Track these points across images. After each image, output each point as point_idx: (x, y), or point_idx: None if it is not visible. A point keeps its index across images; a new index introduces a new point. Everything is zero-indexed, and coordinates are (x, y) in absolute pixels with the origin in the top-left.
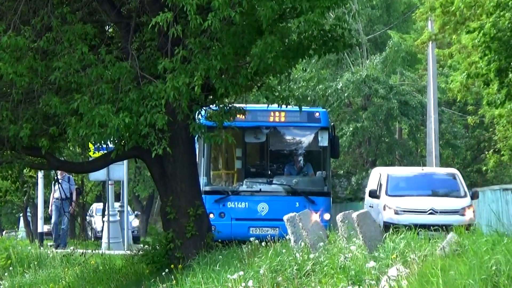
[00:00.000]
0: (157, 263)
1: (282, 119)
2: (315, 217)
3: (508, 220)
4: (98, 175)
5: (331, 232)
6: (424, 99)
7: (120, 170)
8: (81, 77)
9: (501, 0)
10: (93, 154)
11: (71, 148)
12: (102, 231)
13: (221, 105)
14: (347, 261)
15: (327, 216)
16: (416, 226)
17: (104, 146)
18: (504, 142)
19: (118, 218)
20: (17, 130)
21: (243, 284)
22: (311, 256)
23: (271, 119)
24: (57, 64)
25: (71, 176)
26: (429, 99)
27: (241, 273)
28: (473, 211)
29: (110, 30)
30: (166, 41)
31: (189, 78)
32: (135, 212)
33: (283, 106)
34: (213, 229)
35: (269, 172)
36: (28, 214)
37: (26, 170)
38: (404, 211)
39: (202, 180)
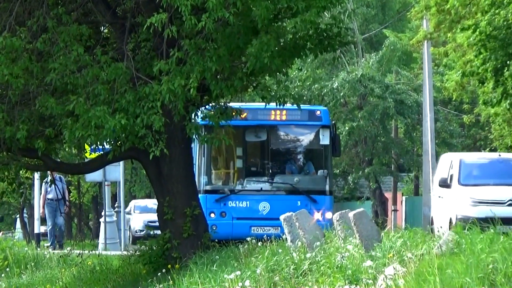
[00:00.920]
0: (154, 263)
1: (283, 118)
2: (317, 216)
3: None
4: (94, 176)
5: (328, 231)
6: (420, 98)
7: (117, 171)
8: (77, 78)
9: None
10: (89, 155)
11: (67, 150)
12: (142, 230)
13: (217, 106)
14: (344, 260)
15: (329, 215)
16: (494, 219)
17: (100, 147)
18: (500, 140)
19: (114, 218)
20: (13, 132)
21: (240, 284)
22: (308, 255)
23: (272, 117)
24: (53, 65)
25: (61, 176)
26: (425, 98)
27: (238, 273)
28: None
29: (106, 30)
30: (161, 42)
31: (185, 80)
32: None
33: (282, 105)
34: (214, 228)
35: (270, 171)
36: (25, 215)
37: (23, 172)
38: (479, 202)
39: (203, 179)
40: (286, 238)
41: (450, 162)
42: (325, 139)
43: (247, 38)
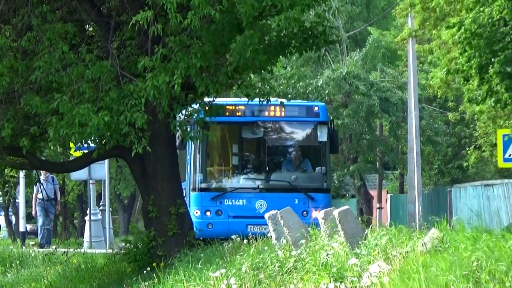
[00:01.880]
0: (139, 261)
1: (280, 114)
2: (315, 214)
3: (489, 216)
4: (79, 175)
5: (313, 229)
6: (405, 96)
7: (102, 169)
8: (62, 76)
9: None
10: (74, 153)
11: (52, 148)
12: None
13: (203, 103)
14: (329, 258)
15: None
16: None
17: (85, 145)
18: (485, 138)
19: (100, 217)
20: None
21: (225, 281)
22: (293, 253)
23: (269, 113)
24: (38, 64)
25: (54, 176)
26: (410, 95)
27: (223, 270)
28: None
29: (90, 29)
30: (146, 40)
31: (169, 77)
32: None
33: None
34: (210, 227)
35: (267, 168)
36: (10, 213)
37: (8, 170)
38: None
39: (198, 177)
40: (271, 236)
41: None
42: (323, 136)
43: (232, 35)
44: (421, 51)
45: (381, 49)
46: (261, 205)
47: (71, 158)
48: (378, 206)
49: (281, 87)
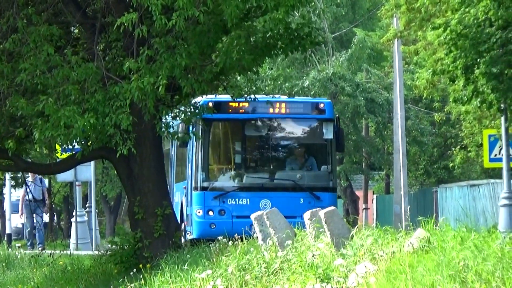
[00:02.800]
0: (126, 262)
1: (285, 111)
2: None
3: (475, 216)
4: (65, 176)
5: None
6: (391, 97)
7: (88, 171)
8: (47, 78)
9: None
10: (60, 155)
11: (37, 150)
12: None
13: (188, 104)
14: (315, 258)
15: None
16: None
17: (71, 147)
18: (470, 138)
19: (86, 218)
20: None
21: (212, 283)
22: (279, 254)
23: (273, 110)
24: (23, 66)
25: (42, 177)
26: (396, 96)
27: (209, 272)
28: None
29: (76, 31)
30: (132, 42)
31: (154, 78)
32: None
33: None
34: (213, 227)
35: (271, 167)
36: None
37: None
38: None
39: (200, 175)
40: (257, 237)
41: None
42: (328, 133)
43: (217, 36)
44: (406, 52)
45: (366, 50)
46: (265, 205)
47: (57, 160)
48: (364, 207)
49: (267, 88)
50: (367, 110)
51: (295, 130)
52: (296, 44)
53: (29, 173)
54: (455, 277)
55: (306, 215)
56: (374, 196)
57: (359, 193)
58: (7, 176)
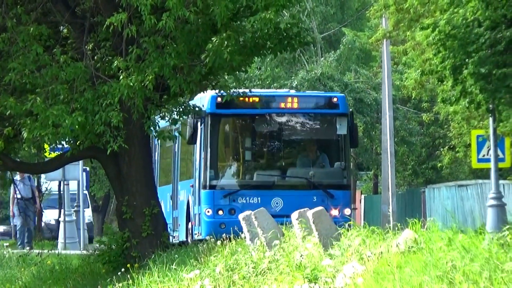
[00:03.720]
0: (113, 262)
1: (297, 105)
2: (335, 212)
3: (463, 216)
4: (54, 175)
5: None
6: (379, 97)
7: (76, 170)
8: (36, 78)
9: None
10: (49, 154)
11: (26, 149)
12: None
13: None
14: (302, 259)
15: (347, 211)
16: None
17: (60, 146)
18: (459, 138)
19: (74, 218)
20: None
21: (199, 282)
22: (267, 254)
23: (284, 105)
24: (12, 65)
25: (30, 175)
26: (384, 96)
27: (197, 271)
28: None
29: (65, 30)
30: (121, 41)
31: (142, 76)
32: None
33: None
34: (222, 227)
35: (283, 164)
36: None
37: None
38: None
39: (208, 173)
40: (245, 237)
41: None
42: (342, 129)
43: (206, 36)
44: (395, 52)
45: (355, 50)
46: (277, 203)
47: (46, 159)
48: (352, 207)
49: (255, 88)
50: (356, 110)
51: (308, 125)
52: (285, 44)
53: (17, 172)
54: (442, 278)
55: (294, 215)
56: (362, 196)
57: None
58: None
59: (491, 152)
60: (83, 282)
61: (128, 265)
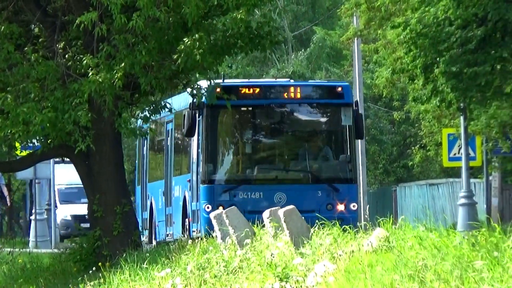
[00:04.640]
0: (85, 261)
1: (299, 96)
2: (341, 207)
3: (434, 215)
4: (25, 174)
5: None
6: None
7: (47, 169)
8: (7, 76)
9: None
10: (20, 152)
11: None
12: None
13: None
14: (274, 257)
15: (354, 207)
16: None
17: (31, 145)
18: (429, 137)
19: (45, 216)
20: None
21: (171, 281)
22: (238, 253)
23: (286, 95)
24: None
25: (0, 174)
26: (355, 95)
27: (168, 270)
28: None
29: (36, 29)
30: (92, 40)
31: (111, 74)
32: None
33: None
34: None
35: (286, 157)
36: None
37: None
38: None
39: (207, 167)
40: (216, 236)
41: None
42: (347, 120)
43: (177, 34)
44: (366, 50)
45: (326, 49)
46: (280, 198)
47: (17, 158)
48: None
49: None
50: None
51: (311, 116)
52: (256, 43)
53: None
54: (414, 276)
55: (265, 214)
56: None
57: None
58: None
59: (462, 150)
60: (54, 281)
61: (100, 264)
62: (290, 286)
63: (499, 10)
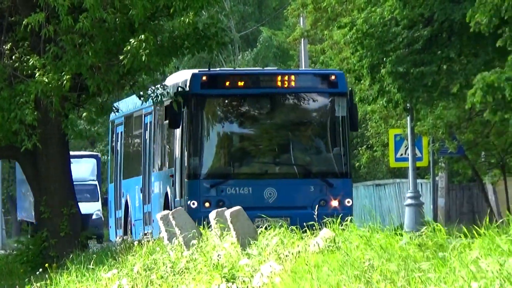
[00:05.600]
0: (31, 262)
1: (290, 84)
2: (335, 203)
3: (381, 216)
4: None
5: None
6: None
7: None
8: None
9: None
10: None
11: None
12: None
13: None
14: (220, 258)
15: (348, 202)
16: None
17: None
18: (376, 138)
19: None
20: None
21: (117, 282)
22: (185, 254)
23: (277, 84)
24: None
25: None
26: None
27: (115, 271)
28: None
29: None
30: (39, 41)
31: (58, 75)
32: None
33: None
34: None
35: (276, 150)
36: None
37: None
38: None
39: (194, 161)
40: (163, 237)
41: None
42: (341, 110)
43: (124, 35)
44: (313, 51)
45: (272, 49)
46: (270, 194)
47: None
48: None
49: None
50: None
51: (303, 106)
52: (202, 44)
53: None
54: (360, 277)
55: (212, 215)
56: None
57: None
58: None
59: (409, 151)
60: (1, 282)
61: (47, 265)
62: (237, 286)
63: (445, 10)
